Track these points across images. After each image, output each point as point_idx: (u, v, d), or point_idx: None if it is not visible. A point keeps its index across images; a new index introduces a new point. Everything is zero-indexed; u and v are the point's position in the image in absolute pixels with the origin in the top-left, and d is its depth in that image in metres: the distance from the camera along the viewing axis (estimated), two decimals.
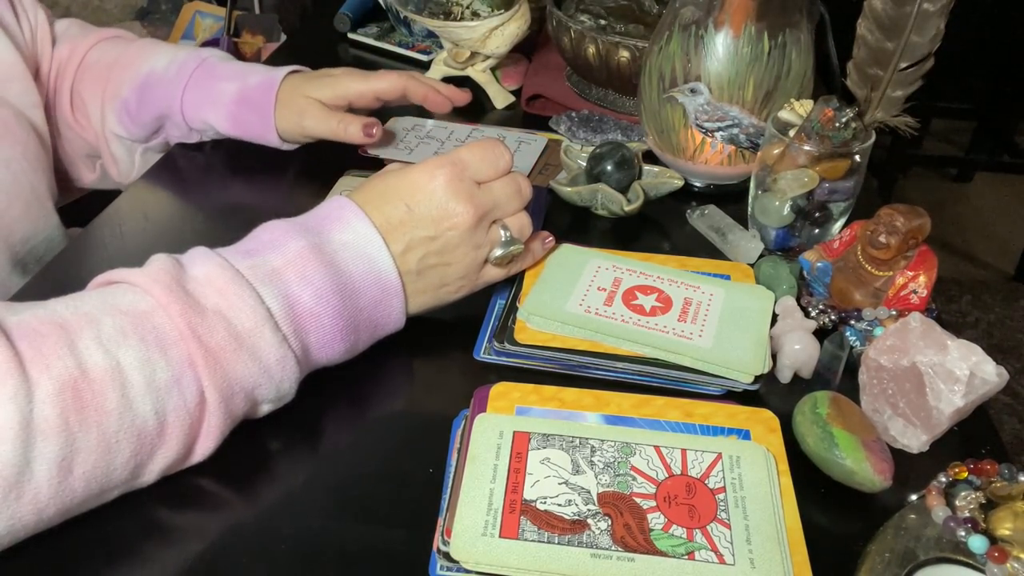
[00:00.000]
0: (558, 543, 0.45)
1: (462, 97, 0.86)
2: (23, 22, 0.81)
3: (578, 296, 0.61)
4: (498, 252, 0.58)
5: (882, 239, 0.59)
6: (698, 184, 0.81)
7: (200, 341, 0.46)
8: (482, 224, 0.56)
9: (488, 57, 0.95)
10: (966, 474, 0.47)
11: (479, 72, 0.96)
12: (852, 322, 0.60)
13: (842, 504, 0.50)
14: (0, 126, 0.73)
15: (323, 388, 0.54)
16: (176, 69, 0.79)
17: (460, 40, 0.91)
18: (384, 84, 0.81)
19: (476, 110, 0.95)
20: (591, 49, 0.87)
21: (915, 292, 0.59)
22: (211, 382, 0.46)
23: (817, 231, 0.68)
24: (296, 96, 0.78)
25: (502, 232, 0.58)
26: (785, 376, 0.58)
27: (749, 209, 0.71)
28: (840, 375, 0.57)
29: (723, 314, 0.60)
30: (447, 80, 0.97)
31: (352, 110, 0.83)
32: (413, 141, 0.85)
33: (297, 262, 0.50)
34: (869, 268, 0.61)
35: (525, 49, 1.02)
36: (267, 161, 0.82)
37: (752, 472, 0.49)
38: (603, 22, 0.97)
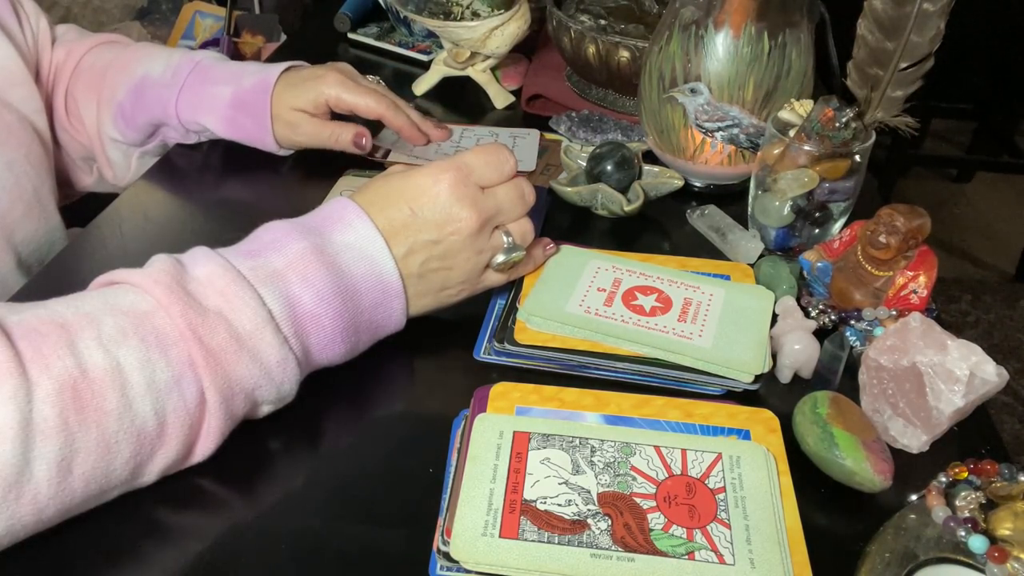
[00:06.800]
0: (558, 543, 0.45)
1: (440, 135, 0.85)
2: (25, 27, 0.81)
3: (578, 297, 0.61)
4: (500, 258, 0.58)
5: (882, 239, 0.59)
6: (698, 184, 0.81)
7: (201, 342, 0.46)
8: (485, 230, 0.56)
9: (488, 57, 0.95)
10: (966, 474, 0.47)
11: (479, 72, 0.96)
12: (852, 322, 0.60)
13: (842, 504, 0.50)
14: (3, 130, 0.74)
15: (323, 388, 0.54)
16: (171, 74, 0.79)
17: (460, 40, 0.91)
18: (361, 103, 0.79)
19: (476, 110, 0.95)
20: (591, 49, 0.87)
21: (915, 292, 0.59)
22: (211, 383, 0.46)
23: (817, 231, 0.68)
24: (286, 110, 0.78)
25: (504, 238, 0.58)
26: (785, 376, 0.58)
27: (749, 209, 0.71)
28: (840, 375, 0.57)
29: (723, 314, 0.60)
30: (447, 80, 0.98)
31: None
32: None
33: (298, 263, 0.50)
34: (869, 268, 0.61)
35: (525, 49, 1.02)
36: (267, 161, 0.82)
37: (752, 472, 0.49)
38: (603, 22, 0.97)
